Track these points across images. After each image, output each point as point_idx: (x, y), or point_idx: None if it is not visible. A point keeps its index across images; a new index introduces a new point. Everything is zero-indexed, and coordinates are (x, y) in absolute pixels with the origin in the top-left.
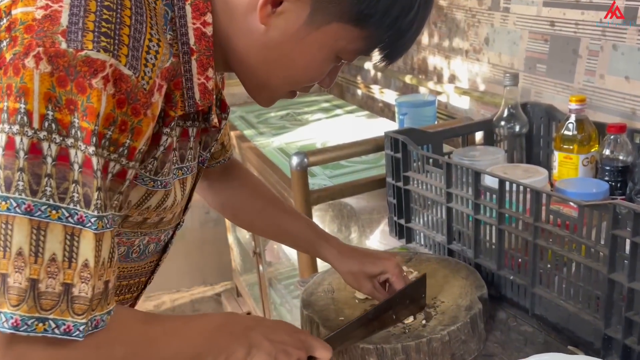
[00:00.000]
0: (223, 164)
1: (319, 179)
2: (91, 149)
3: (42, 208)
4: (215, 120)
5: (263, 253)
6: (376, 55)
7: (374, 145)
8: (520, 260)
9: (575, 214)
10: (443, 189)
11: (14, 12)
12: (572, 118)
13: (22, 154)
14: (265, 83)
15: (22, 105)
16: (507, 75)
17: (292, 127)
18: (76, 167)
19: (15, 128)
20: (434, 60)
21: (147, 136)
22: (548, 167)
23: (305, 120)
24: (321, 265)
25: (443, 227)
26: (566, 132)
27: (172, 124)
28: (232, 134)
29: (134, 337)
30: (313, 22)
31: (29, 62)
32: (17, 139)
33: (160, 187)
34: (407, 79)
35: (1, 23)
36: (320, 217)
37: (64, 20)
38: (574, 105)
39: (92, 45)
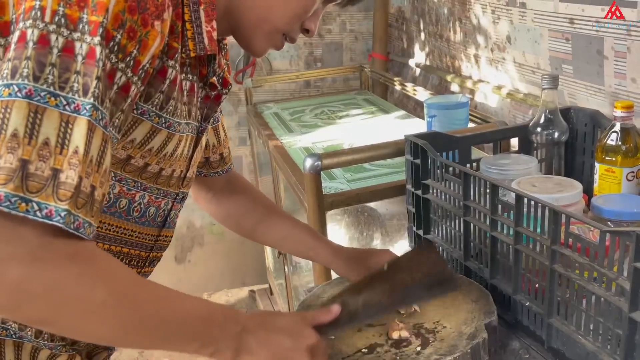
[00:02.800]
0: (225, 177)
1: (338, 182)
2: (96, 39)
3: (42, 94)
4: (214, 78)
5: (289, 255)
6: None
7: (394, 149)
8: (537, 285)
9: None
10: (460, 200)
11: None
12: (617, 127)
13: (30, 44)
14: (267, 15)
15: (37, 2)
16: (545, 77)
17: (323, 126)
18: (79, 58)
19: (29, 22)
20: (463, 58)
21: (151, 52)
22: (591, 178)
23: (338, 119)
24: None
25: (460, 241)
26: (609, 142)
27: (176, 56)
28: (263, 131)
29: (121, 283)
30: None
31: None
32: (29, 31)
33: (164, 126)
34: (447, 77)
35: None
36: (337, 223)
37: None
38: (619, 112)
39: None
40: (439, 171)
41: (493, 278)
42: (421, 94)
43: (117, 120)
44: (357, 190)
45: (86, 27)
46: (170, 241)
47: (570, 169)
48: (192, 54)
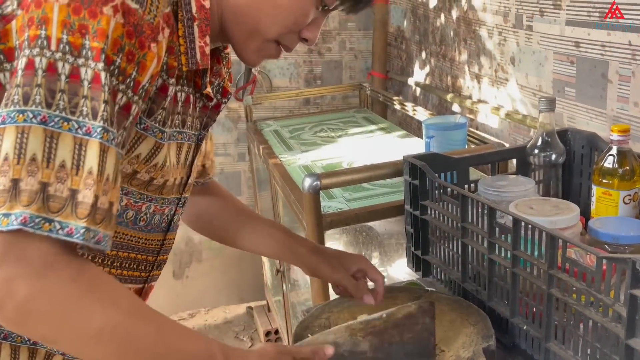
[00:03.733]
0: (203, 185)
1: (337, 201)
2: (100, 65)
3: (56, 119)
4: (209, 90)
5: (287, 272)
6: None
7: (393, 170)
8: (535, 309)
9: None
10: (458, 222)
11: None
12: (614, 150)
13: (40, 72)
14: (256, 27)
15: (43, 32)
16: (543, 99)
17: (322, 144)
18: (86, 83)
19: (36, 51)
20: (465, 79)
21: (150, 72)
22: (588, 200)
23: (337, 137)
24: (332, 293)
25: (458, 263)
26: (606, 165)
27: (175, 73)
28: (262, 148)
29: (120, 312)
30: None
31: None
32: (37, 59)
33: (166, 140)
34: (448, 97)
35: None
36: (336, 242)
37: None
38: (615, 136)
39: None
40: (437, 192)
41: (491, 300)
42: (420, 113)
43: (119, 138)
44: (356, 210)
45: (89, 53)
46: (173, 243)
47: (568, 190)
48: (184, 69)
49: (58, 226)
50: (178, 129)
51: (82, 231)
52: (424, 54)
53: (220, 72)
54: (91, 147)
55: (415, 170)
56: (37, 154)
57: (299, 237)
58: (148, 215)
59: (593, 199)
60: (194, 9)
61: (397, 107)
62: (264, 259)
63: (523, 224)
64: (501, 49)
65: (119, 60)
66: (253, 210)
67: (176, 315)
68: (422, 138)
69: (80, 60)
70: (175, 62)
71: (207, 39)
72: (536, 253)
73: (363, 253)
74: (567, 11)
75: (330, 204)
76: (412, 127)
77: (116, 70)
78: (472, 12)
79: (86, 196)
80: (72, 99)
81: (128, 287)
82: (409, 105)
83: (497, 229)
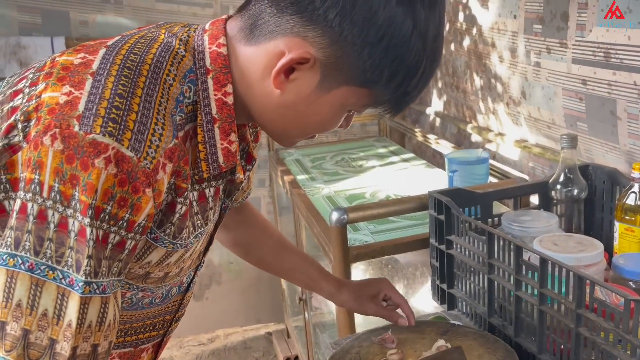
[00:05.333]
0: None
1: (362, 233)
2: (86, 220)
3: (42, 267)
4: (241, 176)
5: (309, 300)
6: (382, 107)
7: (418, 204)
8: (562, 347)
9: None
10: (485, 258)
11: (43, 95)
12: (636, 187)
13: (31, 218)
14: (284, 133)
15: (37, 177)
16: (564, 137)
17: (344, 174)
18: (72, 234)
19: (29, 195)
20: (480, 110)
21: (146, 212)
22: (610, 235)
23: (359, 167)
24: (358, 322)
25: (485, 298)
26: (628, 202)
27: (185, 194)
28: (286, 178)
29: None
30: (324, 87)
31: (46, 139)
32: (29, 205)
33: (179, 247)
34: (468, 128)
35: (31, 103)
36: (362, 274)
37: (81, 106)
38: (637, 174)
39: (99, 130)
40: (462, 225)
41: (517, 336)
42: (442, 145)
43: (115, 269)
44: (381, 243)
45: (77, 205)
46: (191, 296)
47: (590, 224)
48: (205, 175)
49: None
50: (202, 229)
51: None
52: (440, 84)
53: (245, 135)
54: (72, 298)
55: (441, 206)
56: (22, 300)
57: (326, 274)
58: (164, 292)
59: (616, 235)
60: (214, 110)
61: (420, 139)
62: (283, 284)
63: (550, 263)
64: (511, 82)
65: (109, 207)
66: (285, 238)
67: (195, 338)
68: (439, 166)
69: (69, 211)
70: (184, 184)
71: (232, 137)
72: (563, 290)
73: None
74: (573, 50)
75: (356, 236)
76: (426, 155)
77: (107, 217)
78: (482, 46)
79: (64, 348)
80: (58, 248)
81: (145, 347)
82: (431, 137)
83: (523, 266)
